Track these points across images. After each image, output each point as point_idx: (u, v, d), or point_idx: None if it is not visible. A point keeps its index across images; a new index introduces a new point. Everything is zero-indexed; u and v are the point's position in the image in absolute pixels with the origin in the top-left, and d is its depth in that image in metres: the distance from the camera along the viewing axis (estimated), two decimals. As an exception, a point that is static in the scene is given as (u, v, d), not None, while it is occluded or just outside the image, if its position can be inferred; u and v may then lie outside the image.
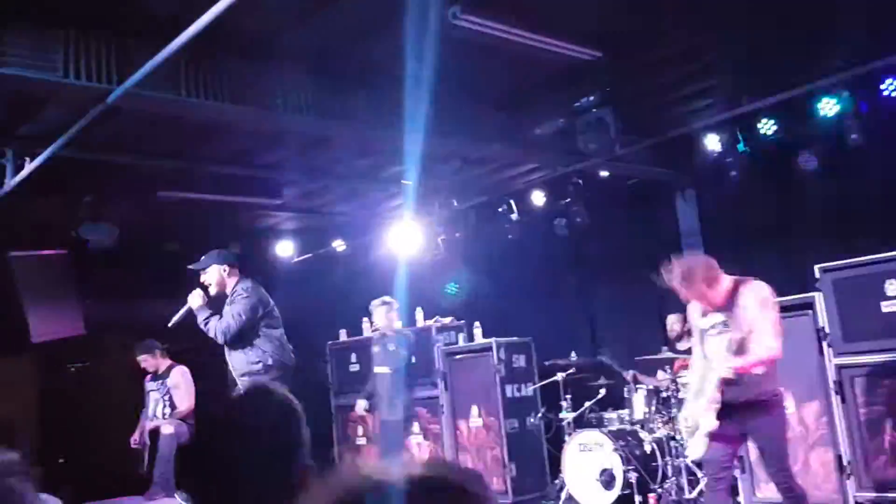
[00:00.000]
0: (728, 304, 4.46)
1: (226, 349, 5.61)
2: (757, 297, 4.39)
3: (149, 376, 7.41)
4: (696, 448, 4.55)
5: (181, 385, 7.21)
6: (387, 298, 7.11)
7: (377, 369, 7.04)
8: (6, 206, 6.19)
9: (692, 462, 4.82)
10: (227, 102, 4.97)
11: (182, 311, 5.50)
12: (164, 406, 7.11)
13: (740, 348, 4.32)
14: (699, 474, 6.23)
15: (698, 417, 4.49)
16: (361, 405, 7.35)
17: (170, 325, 5.57)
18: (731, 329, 4.41)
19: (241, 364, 5.49)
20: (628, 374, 6.91)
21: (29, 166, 5.68)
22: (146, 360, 7.35)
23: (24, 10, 4.27)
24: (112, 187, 6.43)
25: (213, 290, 5.55)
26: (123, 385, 8.11)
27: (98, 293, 7.92)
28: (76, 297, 7.67)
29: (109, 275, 7.63)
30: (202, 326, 5.44)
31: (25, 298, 7.52)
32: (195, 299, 5.44)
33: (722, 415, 4.37)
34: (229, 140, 6.26)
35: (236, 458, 1.45)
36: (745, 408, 4.36)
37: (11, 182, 5.83)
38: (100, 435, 8.02)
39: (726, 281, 4.48)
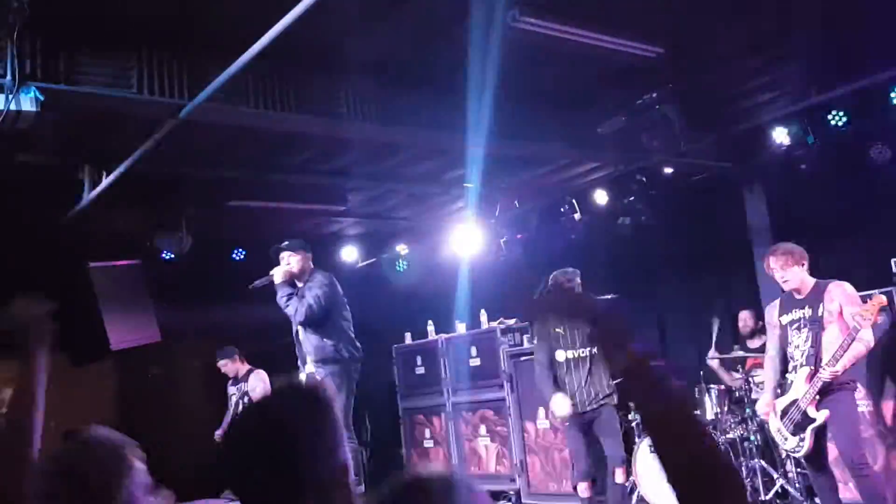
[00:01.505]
0: (812, 301, 4.73)
1: (302, 335, 5.85)
2: (846, 293, 4.66)
3: (230, 381, 7.62)
4: (806, 442, 4.70)
5: (259, 389, 7.39)
6: (567, 269, 5.93)
7: (570, 353, 5.83)
8: (84, 218, 6.46)
9: (802, 457, 4.90)
10: (294, 112, 5.09)
11: (264, 279, 5.82)
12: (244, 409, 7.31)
13: (831, 345, 4.59)
14: (775, 475, 6.09)
15: (805, 412, 4.68)
16: (563, 406, 5.72)
17: (250, 287, 5.91)
18: (813, 325, 4.69)
19: (316, 351, 5.76)
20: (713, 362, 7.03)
21: (105, 180, 5.91)
22: (226, 365, 7.55)
23: (98, 30, 4.45)
24: (184, 198, 6.64)
25: (294, 270, 5.85)
26: (198, 390, 8.34)
27: (172, 301, 8.17)
28: (151, 305, 7.93)
29: (182, 283, 7.86)
30: (282, 301, 5.73)
31: (103, 307, 7.80)
32: (279, 274, 5.74)
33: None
34: (296, 148, 6.39)
35: (254, 459, 1.47)
36: (824, 391, 4.61)
37: (89, 196, 6.07)
38: (176, 440, 8.27)
39: (810, 277, 4.81)
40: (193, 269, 7.39)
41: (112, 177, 5.83)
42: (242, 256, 8.24)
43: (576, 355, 5.85)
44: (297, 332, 6.12)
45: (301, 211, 7.68)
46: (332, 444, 1.49)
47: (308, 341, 5.88)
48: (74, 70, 4.44)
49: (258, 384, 7.39)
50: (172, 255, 6.96)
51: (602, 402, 5.75)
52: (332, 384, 5.89)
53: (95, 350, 7.99)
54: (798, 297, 4.81)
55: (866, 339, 4.52)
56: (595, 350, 5.68)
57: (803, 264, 4.79)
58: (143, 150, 5.29)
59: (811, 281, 4.79)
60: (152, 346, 8.14)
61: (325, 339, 5.81)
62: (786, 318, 4.86)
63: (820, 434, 4.68)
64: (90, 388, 8.44)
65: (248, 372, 7.55)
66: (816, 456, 4.75)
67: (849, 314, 4.58)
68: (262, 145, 6.16)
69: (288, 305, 5.74)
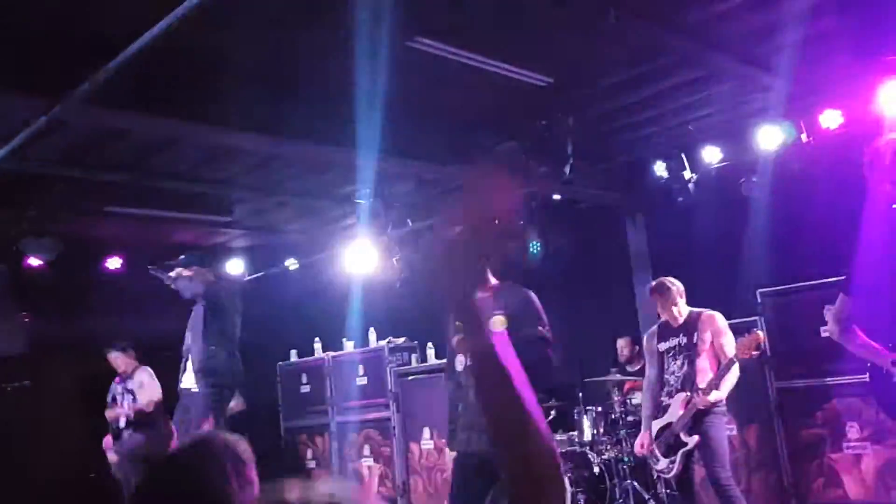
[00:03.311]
0: (686, 329, 4.96)
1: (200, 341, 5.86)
2: (716, 324, 4.91)
3: (117, 379, 7.25)
4: (677, 465, 4.90)
5: (145, 384, 7.09)
6: None
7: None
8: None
9: (672, 478, 5.08)
10: (177, 118, 4.92)
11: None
12: (130, 401, 7.01)
13: (703, 372, 4.82)
14: (646, 496, 6.28)
15: (677, 436, 4.88)
16: None
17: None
18: (688, 352, 4.90)
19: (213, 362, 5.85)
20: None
21: (-31, 179, 5.54)
22: (116, 359, 7.19)
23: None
24: (56, 201, 6.28)
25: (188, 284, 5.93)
26: (64, 406, 7.88)
27: (39, 310, 7.70)
28: (16, 314, 7.46)
29: (52, 291, 7.42)
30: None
31: (-37, 315, 7.29)
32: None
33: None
34: (179, 155, 6.16)
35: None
36: (697, 417, 4.80)
37: (-50, 195, 5.68)
38: (38, 457, 7.77)
39: (686, 307, 5.05)
40: (64, 276, 6.99)
41: (-25, 176, 5.47)
42: (119, 265, 7.84)
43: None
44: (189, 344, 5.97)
45: (183, 220, 7.41)
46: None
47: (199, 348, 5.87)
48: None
49: (144, 379, 7.09)
50: (41, 261, 6.55)
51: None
52: (205, 402, 5.78)
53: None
54: (674, 325, 5.05)
55: (737, 371, 4.77)
56: None
57: (678, 300, 5.05)
58: (8, 149, 4.97)
59: (686, 310, 5.05)
60: (16, 357, 7.66)
61: (212, 348, 5.84)
62: (663, 346, 5.09)
63: (689, 457, 4.88)
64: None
65: (135, 369, 7.24)
66: (685, 478, 4.95)
67: (719, 344, 4.83)
68: (141, 150, 5.90)
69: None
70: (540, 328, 3.99)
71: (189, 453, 1.61)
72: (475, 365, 1.26)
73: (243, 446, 1.53)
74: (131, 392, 7.08)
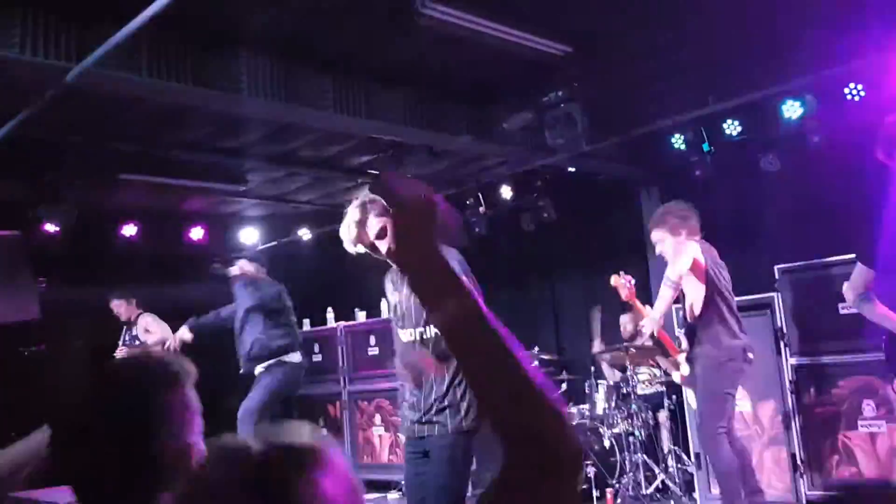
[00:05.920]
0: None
1: None
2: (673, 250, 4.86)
3: (124, 329, 7.40)
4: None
5: (150, 327, 7.21)
6: None
7: (410, 334, 3.53)
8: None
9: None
10: (190, 85, 4.88)
11: None
12: (136, 346, 7.13)
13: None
14: (656, 470, 6.29)
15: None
16: None
17: None
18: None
19: None
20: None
21: (-16, 145, 5.54)
22: (120, 306, 7.34)
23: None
24: (72, 168, 6.28)
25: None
26: (80, 370, 7.95)
27: (55, 276, 7.73)
28: (31, 280, 7.47)
29: (67, 257, 7.46)
30: None
31: (-23, 280, 7.32)
32: None
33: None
34: (193, 124, 6.15)
35: (89, 431, 1.39)
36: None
37: (-35, 161, 5.69)
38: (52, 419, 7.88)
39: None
40: (80, 243, 7.01)
41: (-9, 141, 5.46)
42: (134, 232, 7.87)
43: (415, 337, 3.44)
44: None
45: (198, 189, 7.41)
46: (179, 422, 1.42)
47: None
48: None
49: (149, 323, 7.20)
50: (56, 227, 6.57)
51: (433, 418, 3.32)
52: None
53: (-33, 325, 7.50)
54: None
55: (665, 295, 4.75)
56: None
57: (678, 233, 4.89)
58: (24, 115, 4.96)
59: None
60: (31, 323, 7.69)
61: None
62: None
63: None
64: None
65: (138, 316, 7.36)
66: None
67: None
68: (156, 118, 5.89)
69: None
70: None
71: (120, 368, 1.60)
72: (457, 331, 1.07)
73: (177, 367, 1.48)
74: (136, 338, 7.19)
